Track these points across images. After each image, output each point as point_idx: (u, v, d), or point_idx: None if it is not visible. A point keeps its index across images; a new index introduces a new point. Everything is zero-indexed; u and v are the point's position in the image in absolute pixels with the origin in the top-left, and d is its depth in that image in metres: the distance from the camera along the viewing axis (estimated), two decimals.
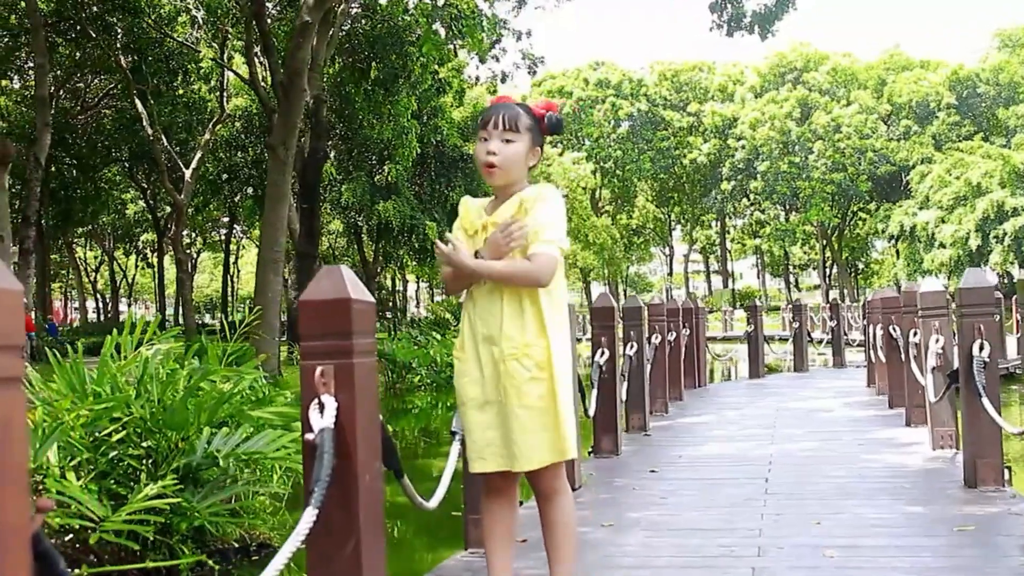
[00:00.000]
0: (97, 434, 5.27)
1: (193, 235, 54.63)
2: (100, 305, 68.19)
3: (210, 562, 5.38)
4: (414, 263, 47.33)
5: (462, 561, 4.43)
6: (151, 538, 5.06)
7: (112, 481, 5.36)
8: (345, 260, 48.00)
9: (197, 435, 5.51)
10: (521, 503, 4.03)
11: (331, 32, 24.63)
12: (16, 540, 1.66)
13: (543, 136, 3.31)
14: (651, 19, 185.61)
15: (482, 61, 30.66)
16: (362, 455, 3.05)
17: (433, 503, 3.93)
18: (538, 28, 78.01)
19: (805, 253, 71.85)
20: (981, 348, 5.52)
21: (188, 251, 52.22)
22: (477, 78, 31.99)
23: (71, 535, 5.28)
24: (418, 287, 77.73)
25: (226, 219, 48.98)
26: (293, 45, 17.88)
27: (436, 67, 31.28)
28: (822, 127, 58.47)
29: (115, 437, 5.27)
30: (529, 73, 30.47)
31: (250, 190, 38.68)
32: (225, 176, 38.45)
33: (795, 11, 17.92)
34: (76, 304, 67.93)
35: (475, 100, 38.91)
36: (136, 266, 64.69)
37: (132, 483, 5.36)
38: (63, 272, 58.81)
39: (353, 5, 28.70)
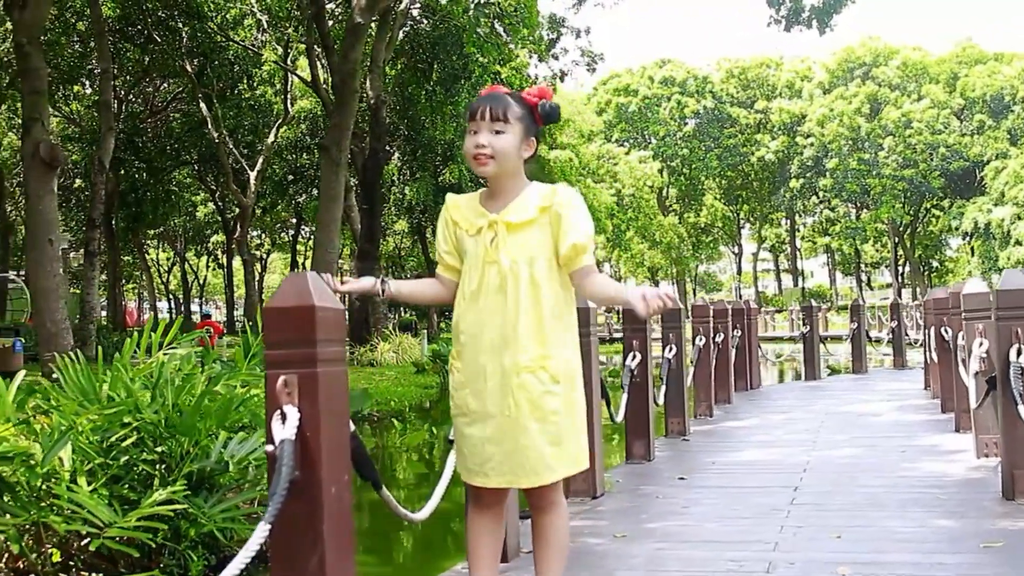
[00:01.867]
0: (109, 439, 5.24)
1: (262, 236, 55.29)
2: (172, 305, 69.33)
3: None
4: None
5: (460, 573, 4.31)
6: (154, 544, 5.01)
7: (125, 487, 5.33)
8: (410, 260, 48.21)
9: (211, 440, 5.46)
10: (523, 515, 3.92)
11: (390, 33, 24.71)
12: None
13: (537, 126, 3.15)
14: (715, 15, 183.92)
15: (541, 60, 30.57)
16: (327, 467, 2.95)
17: (421, 515, 3.82)
18: (598, 26, 77.50)
19: (877, 251, 70.58)
20: (1019, 353, 5.27)
21: (257, 252, 52.86)
22: (536, 77, 31.89)
23: (86, 540, 5.27)
24: None
25: (293, 220, 49.47)
26: (345, 47, 17.93)
27: (497, 67, 31.27)
28: (892, 123, 57.38)
29: (127, 442, 5.24)
30: (588, 71, 30.27)
31: (315, 191, 39.01)
32: (291, 177, 38.86)
33: (854, 4, 17.54)
34: (149, 304, 69.16)
35: None
36: (207, 267, 65.67)
37: (146, 488, 5.33)
38: (136, 273, 59.79)
39: (414, 6, 28.79)
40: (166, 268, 66.33)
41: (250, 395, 5.87)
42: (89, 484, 5.15)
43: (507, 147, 3.06)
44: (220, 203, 43.93)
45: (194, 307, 61.71)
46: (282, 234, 58.25)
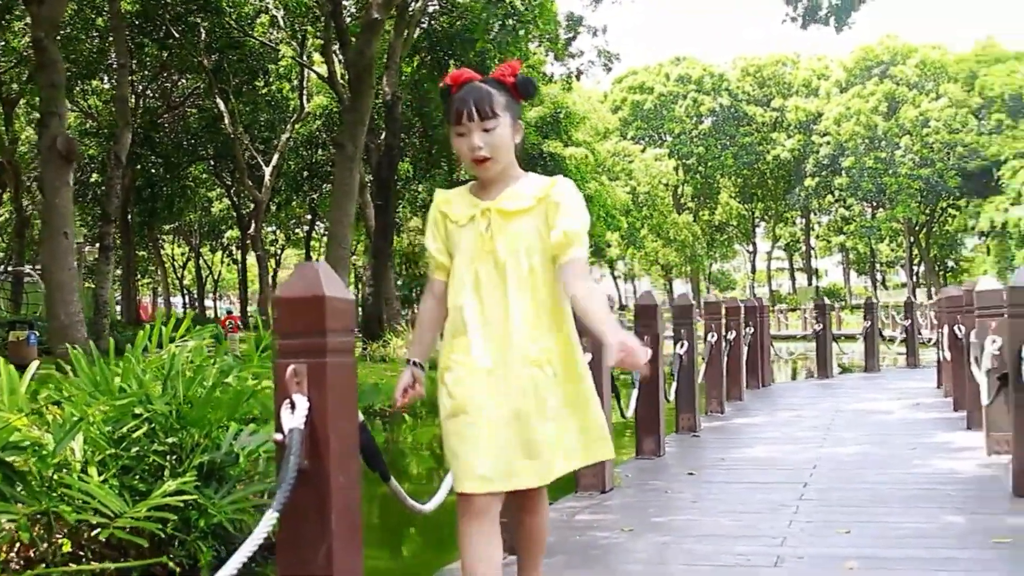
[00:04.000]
0: (120, 430, 5.27)
1: (276, 232, 55.42)
2: (186, 300, 69.58)
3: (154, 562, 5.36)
4: None
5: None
6: (163, 535, 5.04)
7: (136, 477, 5.37)
8: (424, 257, 48.26)
9: (221, 432, 5.49)
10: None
11: (407, 30, 24.74)
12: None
13: (519, 104, 2.99)
14: (731, 13, 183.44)
15: (558, 58, 30.55)
16: (335, 456, 2.96)
17: (430, 507, 3.83)
18: (614, 24, 77.60)
19: (892, 250, 70.30)
20: None
21: (271, 248, 52.99)
22: (552, 75, 31.84)
23: (96, 530, 5.31)
24: None
25: (308, 216, 49.57)
26: (361, 43, 17.96)
27: None
28: (910, 122, 57.13)
29: (138, 433, 5.28)
30: (605, 70, 30.25)
31: (329, 187, 39.11)
32: (305, 173, 38.95)
33: (873, 0, 17.46)
34: (163, 299, 69.41)
35: (552, 97, 38.77)
36: (222, 262, 65.85)
37: (157, 479, 5.36)
38: (151, 268, 60.01)
39: (431, 3, 28.81)
40: (181, 263, 66.55)
41: (261, 387, 5.90)
42: (100, 475, 5.19)
43: (503, 142, 2.92)
44: (235, 199, 44.07)
45: (208, 303, 62.00)
46: (296, 230, 58.45)
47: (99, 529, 5.29)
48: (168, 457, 5.46)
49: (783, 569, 4.06)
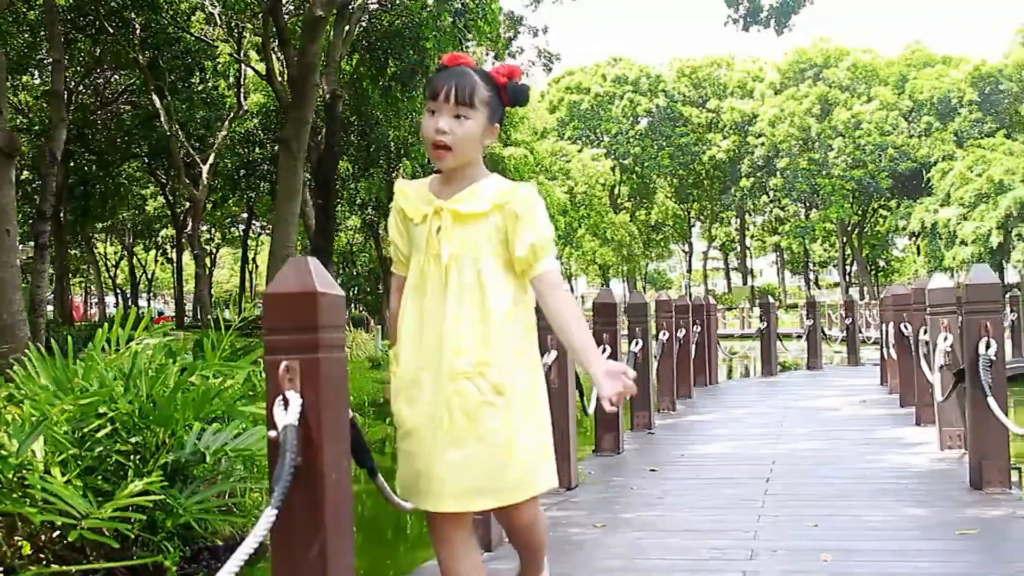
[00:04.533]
0: (83, 429, 5.18)
1: (212, 231, 54.77)
2: (119, 300, 68.45)
3: (197, 557, 5.30)
4: None
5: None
6: (133, 535, 4.97)
7: (99, 477, 5.28)
8: (362, 256, 48.05)
9: (186, 431, 5.42)
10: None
11: (347, 27, 24.58)
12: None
13: (503, 107, 2.82)
14: (669, 15, 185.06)
15: (498, 58, 30.52)
16: (329, 453, 2.94)
17: (411, 504, 3.82)
18: (554, 25, 77.76)
19: (825, 250, 71.44)
20: (987, 346, 5.37)
21: (207, 247, 52.34)
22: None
23: (58, 532, 5.21)
24: None
25: (244, 215, 49.08)
26: (304, 40, 17.82)
27: None
28: (842, 124, 58.13)
29: (101, 433, 5.19)
30: (545, 70, 30.32)
31: (267, 186, 38.77)
32: (243, 172, 38.54)
33: (812, 5, 17.75)
34: (96, 299, 68.22)
35: None
36: (156, 261, 64.90)
37: (119, 479, 5.28)
38: (83, 267, 58.92)
39: (371, 0, 28.64)
40: (113, 262, 65.45)
41: (225, 386, 5.83)
42: (62, 475, 5.10)
43: (469, 136, 2.73)
44: (170, 197, 43.45)
45: (142, 302, 61.05)
46: (232, 229, 57.83)
47: (60, 531, 5.21)
48: (132, 457, 5.38)
49: (758, 562, 4.11)
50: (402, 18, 28.03)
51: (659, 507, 5.41)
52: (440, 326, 2.71)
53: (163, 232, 55.80)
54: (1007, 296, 18.08)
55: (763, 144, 61.27)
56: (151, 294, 70.74)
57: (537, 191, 2.81)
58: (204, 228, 50.74)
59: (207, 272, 44.55)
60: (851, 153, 57.49)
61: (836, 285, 71.86)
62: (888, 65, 62.07)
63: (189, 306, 53.65)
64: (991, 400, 5.24)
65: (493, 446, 2.66)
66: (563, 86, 68.01)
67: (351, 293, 40.27)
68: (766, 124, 60.95)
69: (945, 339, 6.59)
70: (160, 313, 37.71)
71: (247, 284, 54.91)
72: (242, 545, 2.64)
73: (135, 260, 61.02)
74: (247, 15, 30.12)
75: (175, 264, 50.42)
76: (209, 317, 36.97)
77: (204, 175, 33.01)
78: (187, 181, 33.75)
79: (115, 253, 64.25)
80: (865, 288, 63.05)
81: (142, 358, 5.64)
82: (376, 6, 29.04)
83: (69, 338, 5.90)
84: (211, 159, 33.48)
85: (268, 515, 2.70)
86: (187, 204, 39.16)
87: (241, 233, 51.49)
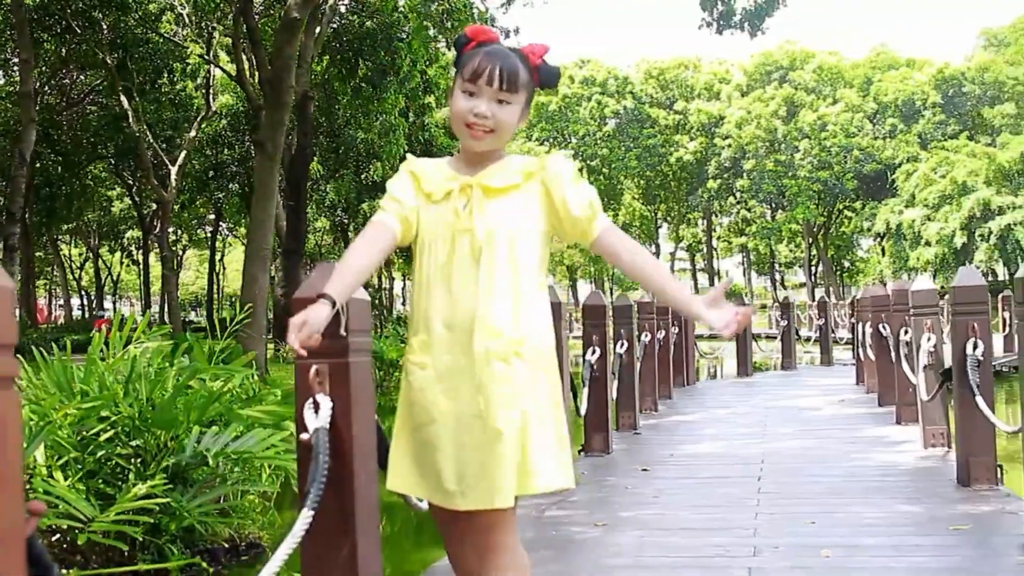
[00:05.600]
0: (85, 433, 5.20)
1: (179, 232, 54.43)
2: (84, 302, 67.83)
3: (203, 563, 5.32)
4: (401, 261, 47.30)
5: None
6: (140, 539, 5.00)
7: (100, 481, 5.30)
8: (331, 257, 47.86)
9: (186, 434, 5.45)
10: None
11: (319, 28, 24.55)
12: (12, 542, 1.62)
13: (534, 89, 2.66)
14: (637, 17, 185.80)
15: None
16: (357, 455, 3.01)
17: (427, 504, 3.88)
18: (524, 27, 77.80)
19: (791, 251, 72.01)
20: (975, 346, 5.51)
21: (174, 248, 52.01)
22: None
23: (58, 535, 5.22)
24: (404, 285, 77.65)
25: (212, 216, 48.82)
26: (280, 41, 17.79)
27: (424, 66, 31.22)
28: (808, 125, 58.64)
29: (103, 436, 5.21)
30: None
31: (236, 187, 38.63)
32: (211, 173, 38.35)
33: (785, 7, 17.92)
34: (61, 301, 67.57)
35: None
36: (121, 263, 64.39)
37: (120, 482, 5.30)
38: (48, 269, 58.38)
39: (342, 1, 28.60)
40: (78, 264, 64.87)
41: (224, 390, 5.87)
42: (65, 479, 5.12)
43: (511, 122, 2.59)
44: (137, 198, 43.16)
45: (108, 304, 60.53)
46: (199, 231, 57.49)
47: (60, 536, 5.22)
48: (132, 460, 5.40)
49: (762, 559, 4.21)
50: (373, 19, 28.06)
51: (655, 506, 5.50)
52: (472, 311, 2.50)
53: (129, 234, 55.42)
54: (1000, 296, 18.38)
55: (730, 146, 61.69)
56: (116, 296, 70.13)
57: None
58: (171, 230, 50.42)
59: (175, 274, 44.27)
60: (817, 155, 58.03)
61: (802, 285, 72.51)
62: (853, 68, 62.69)
63: (155, 308, 53.23)
64: (979, 399, 5.37)
65: (529, 428, 2.48)
66: None
67: None
68: (733, 126, 61.37)
69: (928, 340, 6.73)
70: (100, 316, 37.13)
71: (215, 286, 54.59)
72: (282, 546, 2.69)
73: (100, 262, 60.51)
74: (217, 16, 29.99)
75: (142, 266, 50.11)
76: (177, 320, 36.78)
77: (173, 176, 32.83)
78: (155, 183, 33.55)
79: (80, 255, 63.68)
80: (831, 288, 63.63)
81: (141, 362, 5.67)
82: (347, 7, 29.04)
83: (68, 342, 5.91)
84: (180, 160, 33.31)
85: (305, 516, 2.75)
86: (154, 206, 38.93)
87: (209, 235, 51.18)
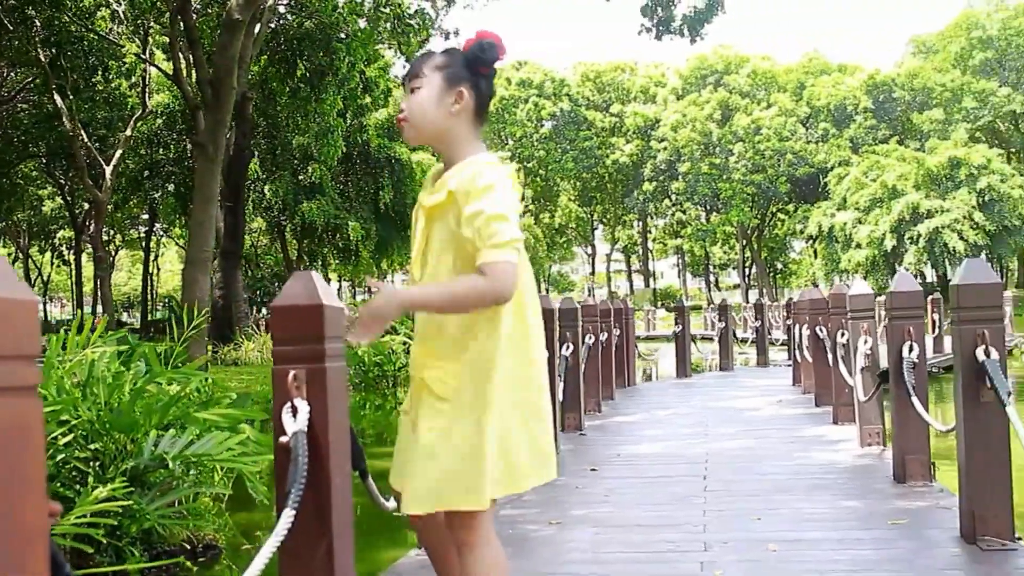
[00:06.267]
0: (46, 437, 5.24)
1: (111, 233, 53.69)
2: None
3: (188, 563, 5.38)
4: (337, 262, 47.15)
5: (416, 560, 4.51)
6: (104, 541, 5.05)
7: (58, 484, 5.34)
8: (268, 259, 47.61)
9: (145, 437, 5.51)
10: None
11: (258, 28, 24.46)
12: (38, 543, 1.72)
13: (469, 71, 2.60)
14: (576, 21, 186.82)
15: (408, 61, 30.62)
16: (334, 458, 3.12)
17: (393, 504, 4.01)
18: (465, 29, 78.00)
19: (725, 253, 73.03)
20: (911, 349, 5.74)
21: (107, 249, 51.30)
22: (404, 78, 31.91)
23: None
24: (340, 286, 77.31)
25: (146, 216, 48.25)
26: (222, 42, 17.74)
27: (363, 66, 31.22)
28: (742, 129, 59.53)
29: (62, 440, 5.25)
30: None
31: (171, 187, 38.26)
32: (146, 173, 37.94)
33: (724, 14, 18.26)
34: None
35: (398, 100, 38.83)
36: (52, 263, 63.34)
37: (79, 486, 5.34)
38: None
39: (281, 1, 28.48)
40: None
41: (181, 394, 5.92)
42: None
43: (420, 103, 2.59)
44: (69, 198, 42.54)
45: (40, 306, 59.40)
46: (131, 231, 56.77)
47: None
48: (91, 464, 5.45)
49: (712, 553, 4.39)
50: (312, 20, 27.99)
51: (607, 505, 5.66)
52: (423, 325, 2.69)
53: (60, 234, 54.57)
54: (929, 298, 18.88)
55: (665, 148, 62.41)
56: (47, 297, 68.94)
57: (499, 169, 2.58)
58: (103, 230, 49.72)
59: (108, 275, 43.67)
60: (751, 158, 58.94)
61: (736, 287, 73.54)
62: (786, 72, 63.78)
63: (86, 309, 52.43)
64: (915, 400, 5.60)
65: (431, 447, 2.61)
66: None
67: (256, 295, 39.90)
68: (668, 129, 62.11)
69: (865, 342, 6.99)
70: None
71: (149, 287, 53.91)
72: (266, 544, 2.80)
73: (30, 262, 59.47)
74: (153, 14, 29.68)
75: (73, 267, 49.34)
76: (112, 322, 36.28)
77: (108, 176, 32.42)
78: (89, 182, 33.11)
79: (9, 255, 62.49)
80: (764, 290, 64.60)
81: (100, 366, 5.71)
82: (285, 7, 28.92)
83: None
84: (115, 160, 32.90)
85: (287, 516, 2.85)
86: (87, 205, 38.40)
87: (143, 235, 50.55)
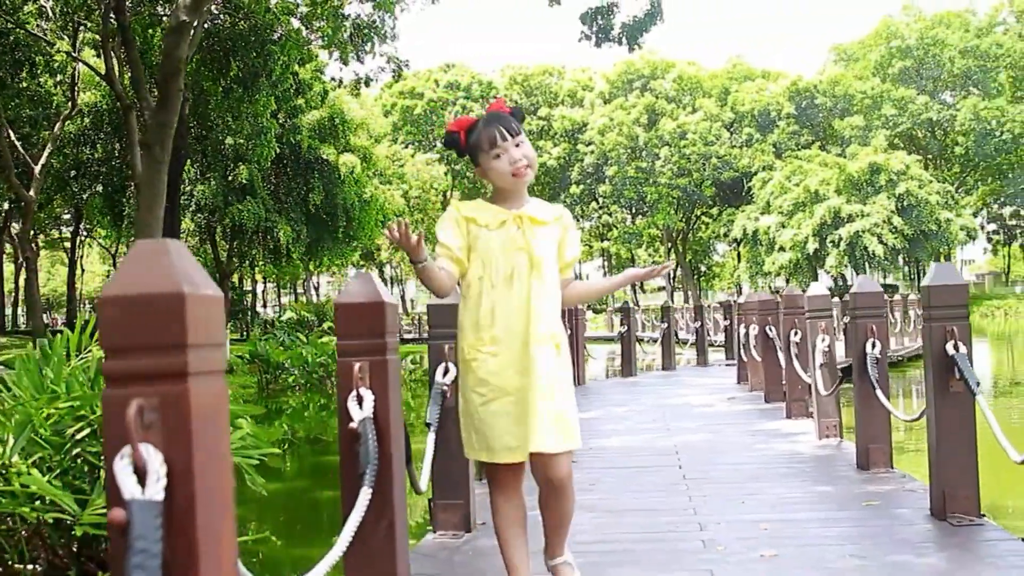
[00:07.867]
0: (64, 433, 5.41)
1: (33, 232, 52.68)
2: None
3: None
4: (267, 264, 46.93)
5: (435, 542, 4.80)
6: None
7: (71, 477, 5.52)
8: (198, 259, 46.98)
9: None
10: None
11: (194, 27, 24.39)
12: (227, 516, 1.98)
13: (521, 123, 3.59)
14: (506, 24, 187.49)
15: (345, 63, 30.69)
16: (393, 441, 3.43)
17: (423, 484, 4.31)
18: (401, 32, 77.96)
19: (650, 256, 73.99)
20: (873, 345, 6.18)
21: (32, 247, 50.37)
22: (340, 80, 31.98)
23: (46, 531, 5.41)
24: (265, 288, 76.70)
25: (68, 216, 47.52)
26: (169, 45, 17.75)
27: (296, 67, 31.24)
28: (668, 133, 60.51)
29: (80, 436, 5.43)
30: (394, 78, 30.67)
31: (99, 187, 37.78)
32: (72, 173, 37.42)
33: (662, 23, 18.73)
34: None
35: (331, 102, 38.83)
36: None
37: (93, 480, 5.52)
38: None
39: (214, 2, 28.37)
40: None
41: None
42: (42, 476, 5.32)
43: (533, 152, 3.49)
44: None
45: None
46: (53, 231, 55.84)
47: (32, 528, 5.41)
48: (102, 457, 5.63)
49: (711, 532, 4.76)
50: (246, 20, 27.97)
51: (595, 492, 6.00)
52: (526, 306, 3.31)
53: None
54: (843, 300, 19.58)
55: (592, 152, 63.16)
56: None
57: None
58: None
59: (36, 275, 42.94)
60: (677, 162, 59.92)
61: (661, 289, 74.51)
62: (712, 78, 64.96)
63: (8, 311, 51.44)
64: (879, 392, 6.04)
65: (567, 394, 3.34)
66: (396, 91, 68.32)
67: None
68: (596, 133, 62.86)
69: (823, 340, 7.44)
70: None
71: (75, 288, 52.99)
72: (350, 519, 3.09)
73: None
74: (84, 11, 29.36)
75: None
76: (39, 323, 35.75)
77: (37, 175, 31.95)
78: (16, 181, 32.58)
79: None
80: (689, 292, 65.66)
81: None
82: (219, 7, 28.82)
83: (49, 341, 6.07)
84: (44, 158, 32.43)
85: (365, 494, 3.16)
86: (6, 204, 37.78)
87: (67, 235, 49.72)
